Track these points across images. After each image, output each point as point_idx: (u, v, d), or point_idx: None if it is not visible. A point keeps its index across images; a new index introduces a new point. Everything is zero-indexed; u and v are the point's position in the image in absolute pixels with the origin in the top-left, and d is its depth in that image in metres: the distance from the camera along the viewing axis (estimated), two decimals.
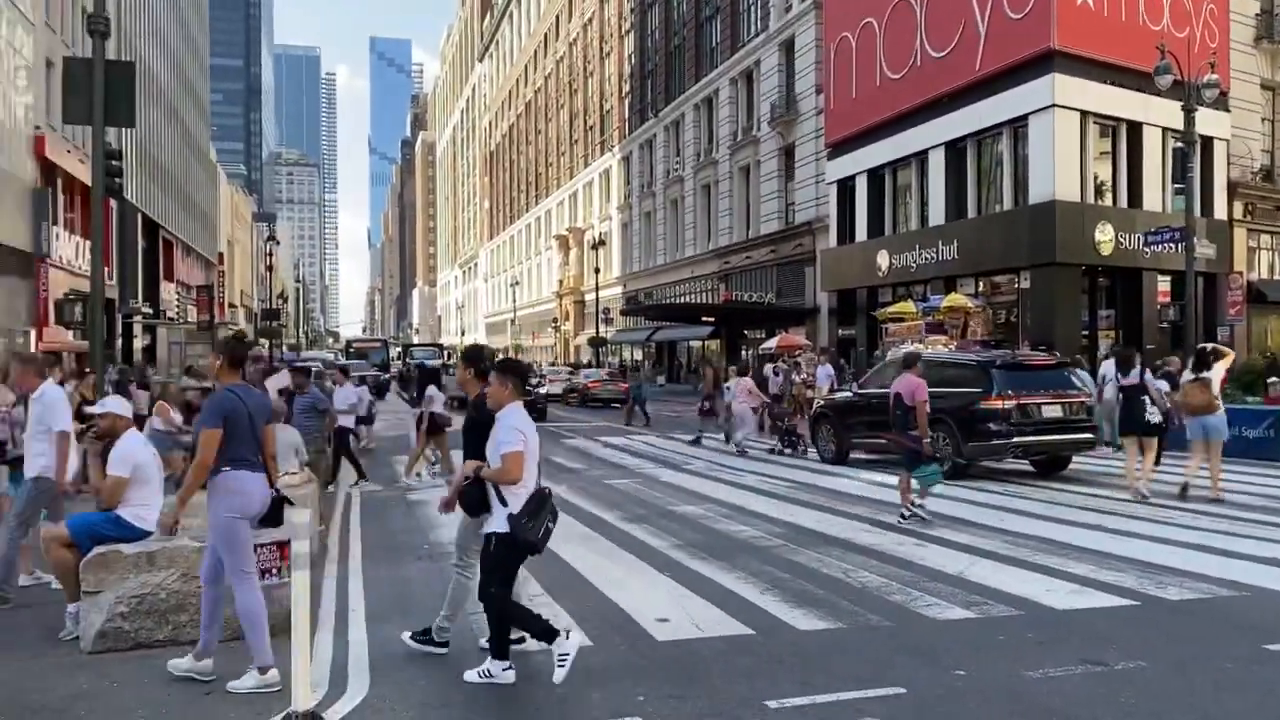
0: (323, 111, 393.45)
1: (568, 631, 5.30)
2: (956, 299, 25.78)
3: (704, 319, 43.48)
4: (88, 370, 14.26)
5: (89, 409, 7.55)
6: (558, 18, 76.09)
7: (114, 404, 6.66)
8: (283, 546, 5.83)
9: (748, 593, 7.17)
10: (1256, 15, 29.78)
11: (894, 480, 10.80)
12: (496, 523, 5.23)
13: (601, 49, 64.67)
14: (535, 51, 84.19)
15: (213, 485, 5.41)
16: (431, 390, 14.85)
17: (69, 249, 35.39)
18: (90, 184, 35.37)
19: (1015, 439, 13.05)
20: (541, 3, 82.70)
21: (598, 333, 53.03)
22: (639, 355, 55.10)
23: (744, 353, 42.50)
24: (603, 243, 56.29)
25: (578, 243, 68.25)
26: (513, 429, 5.23)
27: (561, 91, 75.33)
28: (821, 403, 17.71)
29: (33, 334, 32.14)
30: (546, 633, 5.21)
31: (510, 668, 5.31)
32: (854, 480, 13.77)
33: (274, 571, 5.86)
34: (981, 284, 28.36)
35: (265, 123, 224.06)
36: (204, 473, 5.38)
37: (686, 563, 8.33)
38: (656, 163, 53.87)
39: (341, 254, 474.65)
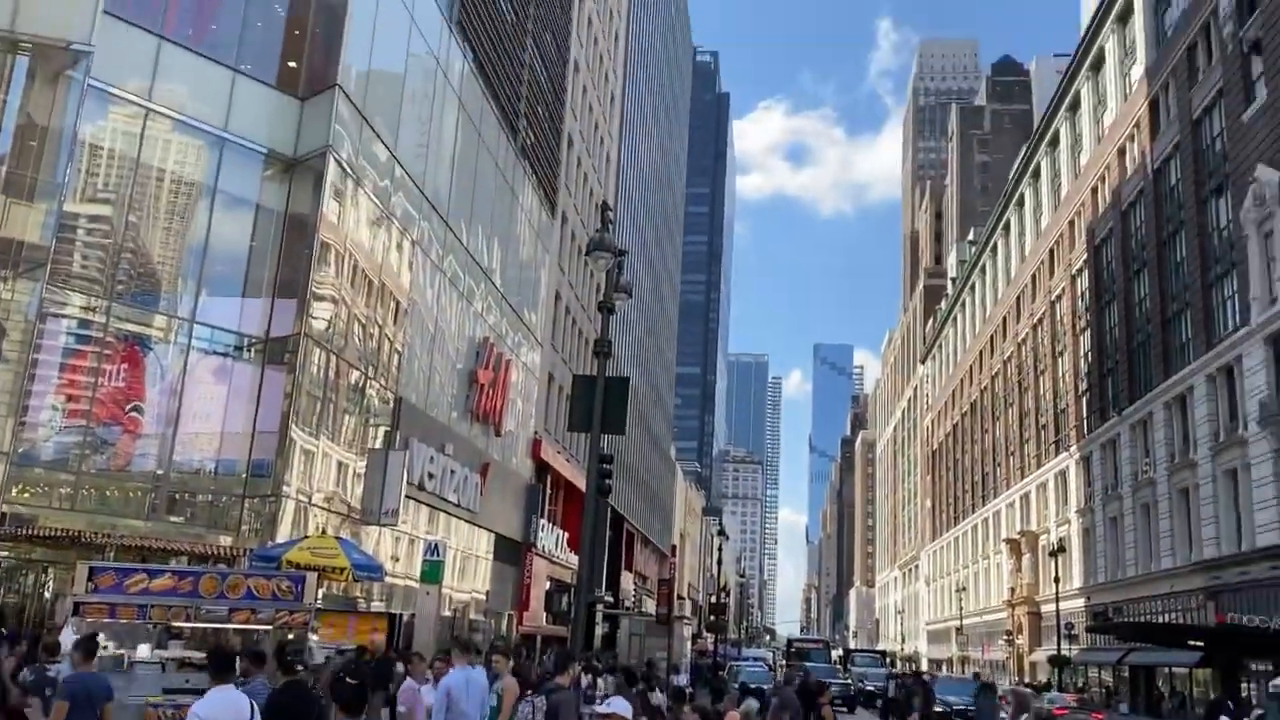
0: (768, 412, 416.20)
1: None
2: None
3: (1190, 643, 38.06)
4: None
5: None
6: (1004, 319, 75.85)
7: (619, 705, 6.99)
8: None
9: None
10: None
11: None
12: None
13: (1054, 348, 63.02)
14: (981, 352, 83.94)
15: None
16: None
17: (550, 539, 39.28)
18: (574, 481, 39.38)
19: None
20: (988, 306, 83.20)
21: (1059, 650, 48.22)
22: (1109, 678, 49.03)
23: (1244, 686, 36.39)
24: (1062, 549, 52.27)
25: (1031, 548, 63.99)
26: None
27: (1010, 390, 73.72)
28: None
29: (513, 616, 35.46)
30: None
31: None
32: None
33: None
34: None
35: (717, 423, 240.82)
36: None
37: None
38: (1122, 464, 49.99)
39: (780, 550, 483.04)
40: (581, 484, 30.23)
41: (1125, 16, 52.63)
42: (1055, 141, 64.91)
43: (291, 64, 22.14)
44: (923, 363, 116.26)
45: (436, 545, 22.27)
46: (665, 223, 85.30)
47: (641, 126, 68.82)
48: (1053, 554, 50.56)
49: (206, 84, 20.20)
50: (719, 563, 68.26)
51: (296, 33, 22.56)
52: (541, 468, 38.89)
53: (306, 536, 17.37)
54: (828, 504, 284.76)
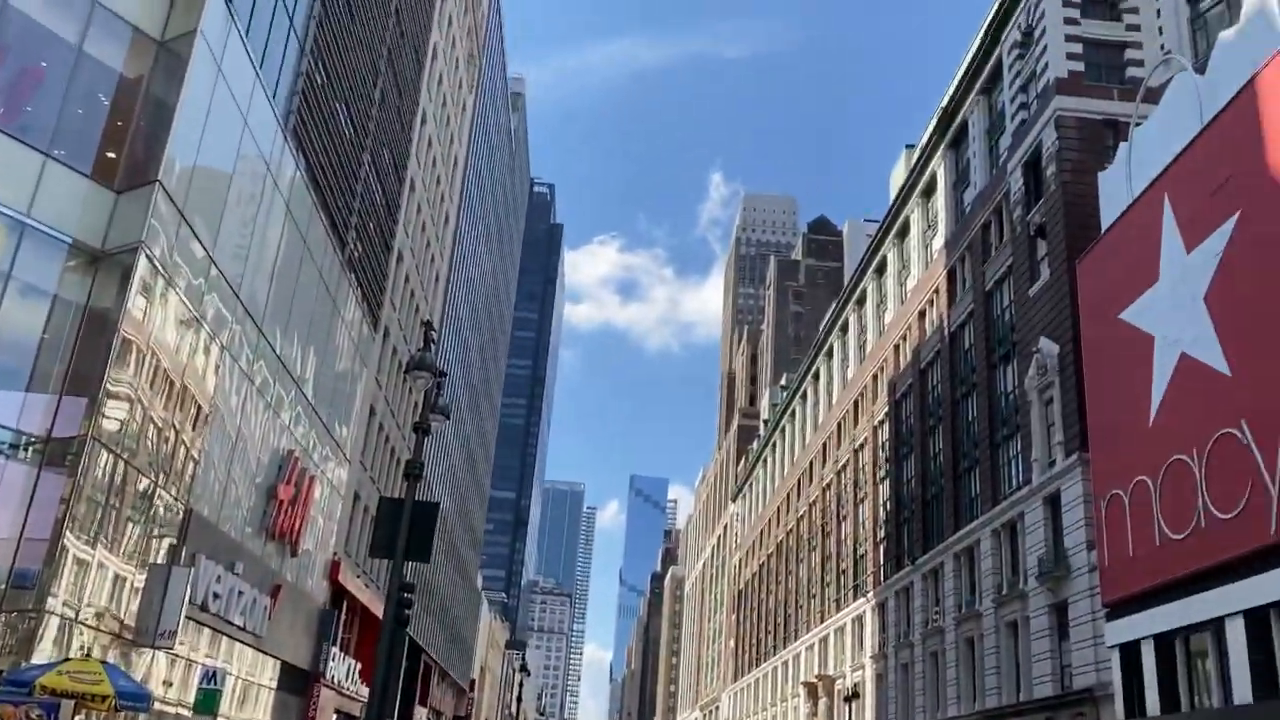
0: (580, 543, 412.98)
1: None
2: None
3: None
4: None
5: None
6: (811, 463, 78.67)
7: None
8: None
9: None
10: None
11: None
12: None
13: (856, 494, 65.59)
14: (788, 494, 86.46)
15: None
16: None
17: (341, 669, 37.18)
18: (372, 609, 37.54)
19: None
20: (796, 451, 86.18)
21: None
22: None
23: None
24: (856, 695, 53.34)
25: (828, 691, 65.01)
26: None
27: (814, 534, 75.94)
28: None
29: None
30: None
31: None
32: None
33: None
34: None
35: (528, 552, 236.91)
36: None
37: None
38: (914, 612, 51.92)
39: (583, 686, 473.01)
40: (380, 611, 28.91)
41: (929, 192, 57.25)
42: (863, 299, 69.07)
43: (110, 154, 21.27)
44: (734, 501, 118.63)
45: (215, 673, 20.71)
46: (491, 344, 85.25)
47: (473, 248, 69.26)
48: (847, 699, 51.50)
49: (12, 166, 19.11)
50: (519, 699, 66.19)
51: (119, 123, 21.76)
52: (338, 592, 37.08)
53: (68, 659, 15.83)
54: (634, 640, 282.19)
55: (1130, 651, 31.39)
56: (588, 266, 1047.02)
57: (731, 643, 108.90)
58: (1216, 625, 27.58)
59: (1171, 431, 29.85)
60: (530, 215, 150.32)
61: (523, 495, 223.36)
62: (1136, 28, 42.04)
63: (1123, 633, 31.57)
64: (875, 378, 63.42)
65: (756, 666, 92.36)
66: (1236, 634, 26.61)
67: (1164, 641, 29.93)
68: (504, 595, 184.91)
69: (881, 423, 61.35)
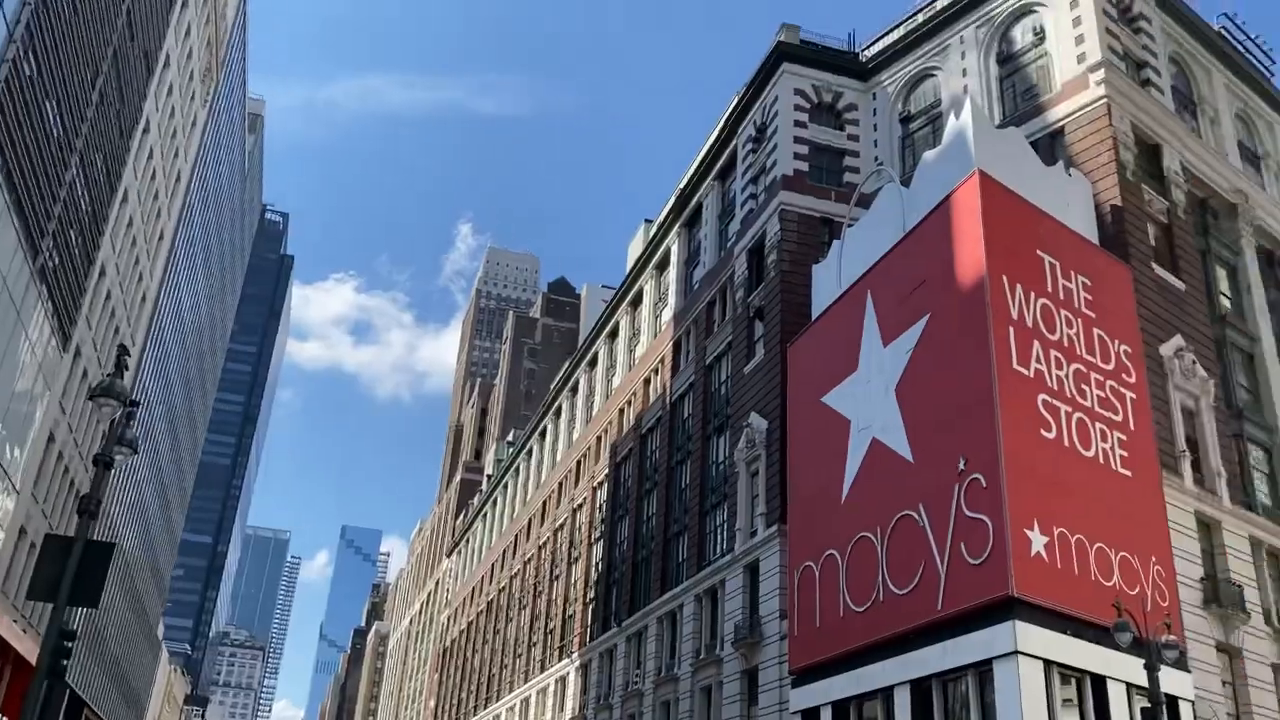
0: (280, 593, 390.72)
1: None
2: None
3: None
4: None
5: None
6: (530, 521, 78.62)
7: None
8: None
9: None
10: (1201, 580, 30.90)
11: None
12: None
13: (570, 554, 66.02)
14: (504, 551, 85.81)
15: None
16: None
17: None
18: (29, 657, 33.75)
19: None
20: (516, 507, 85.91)
21: None
22: None
23: None
24: None
25: None
26: None
27: (526, 592, 75.61)
28: None
29: None
30: None
31: None
32: None
33: None
34: None
35: (221, 601, 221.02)
36: None
37: None
38: (616, 674, 52.58)
39: None
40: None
41: (663, 266, 59.55)
42: (594, 362, 70.45)
43: None
44: (449, 556, 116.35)
45: None
46: (199, 375, 79.82)
47: (189, 271, 64.98)
48: None
49: None
50: None
51: None
52: None
53: None
54: (329, 698, 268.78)
55: (811, 718, 33.18)
56: (320, 303, 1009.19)
57: (432, 702, 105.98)
58: (886, 694, 29.73)
59: (860, 510, 32.20)
60: (259, 243, 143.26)
61: (220, 540, 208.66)
62: (856, 138, 45.96)
63: (805, 699, 33.34)
64: (599, 439, 64.53)
65: None
66: (904, 702, 28.79)
67: (841, 708, 31.86)
68: (188, 646, 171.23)
69: (601, 484, 62.35)
